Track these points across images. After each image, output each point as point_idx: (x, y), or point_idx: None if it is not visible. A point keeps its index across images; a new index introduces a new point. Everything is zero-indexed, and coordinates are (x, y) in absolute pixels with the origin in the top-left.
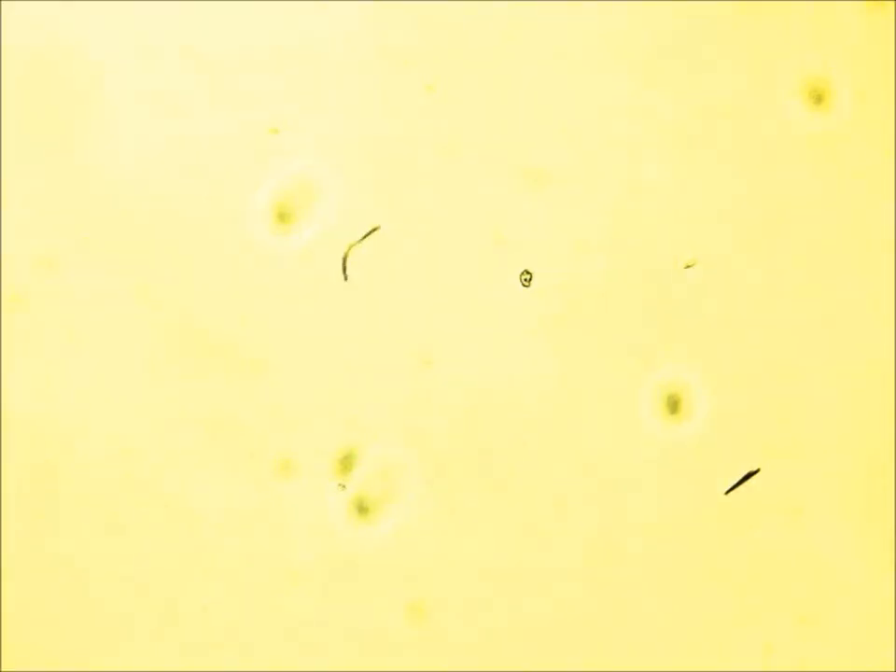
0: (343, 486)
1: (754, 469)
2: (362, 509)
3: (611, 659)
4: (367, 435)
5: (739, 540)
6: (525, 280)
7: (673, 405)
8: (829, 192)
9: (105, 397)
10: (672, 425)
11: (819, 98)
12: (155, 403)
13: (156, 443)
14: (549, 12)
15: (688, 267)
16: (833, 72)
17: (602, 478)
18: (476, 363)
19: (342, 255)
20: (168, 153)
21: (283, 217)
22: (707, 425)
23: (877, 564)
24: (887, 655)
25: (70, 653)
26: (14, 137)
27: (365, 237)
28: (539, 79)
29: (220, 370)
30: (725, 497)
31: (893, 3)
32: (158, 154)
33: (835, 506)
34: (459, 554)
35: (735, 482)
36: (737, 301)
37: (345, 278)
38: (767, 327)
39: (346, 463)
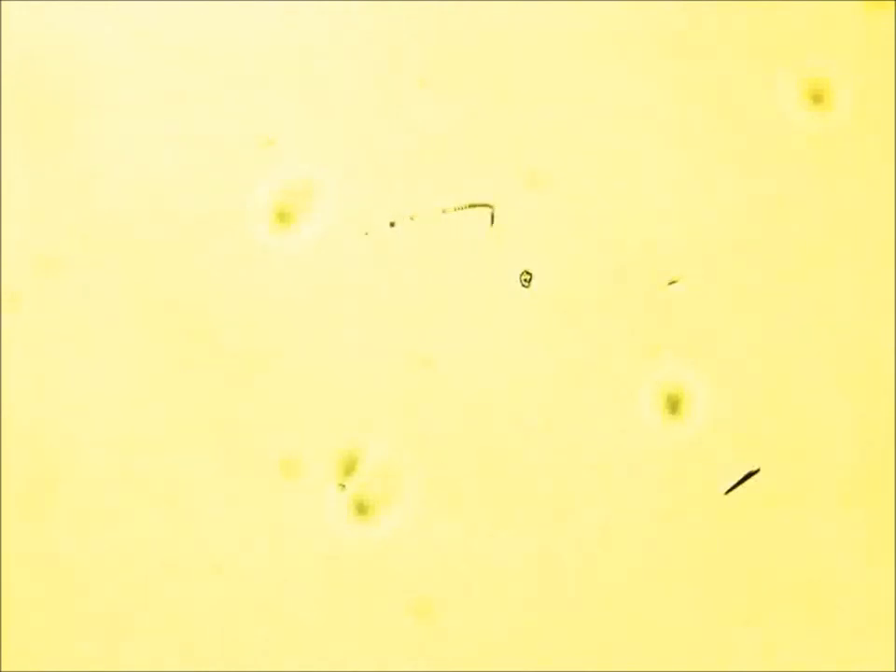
0: (344, 486)
1: (754, 468)
2: (362, 509)
3: (611, 658)
4: (367, 435)
5: (739, 540)
6: (525, 280)
7: (673, 405)
8: (829, 192)
9: (105, 396)
10: (672, 424)
11: (818, 98)
12: (155, 403)
13: (156, 443)
14: (546, 9)
15: (672, 283)
16: (833, 72)
17: (602, 478)
18: (476, 363)
19: (342, 253)
20: (167, 153)
21: (282, 216)
22: (707, 425)
23: (877, 563)
24: (887, 655)
25: (70, 653)
26: (14, 137)
27: (461, 209)
28: (537, 77)
29: (220, 370)
30: (725, 496)
31: (893, 3)
32: (157, 154)
33: (835, 506)
34: (459, 554)
35: (735, 482)
36: (737, 300)
37: (392, 224)
38: (767, 326)
39: (346, 463)
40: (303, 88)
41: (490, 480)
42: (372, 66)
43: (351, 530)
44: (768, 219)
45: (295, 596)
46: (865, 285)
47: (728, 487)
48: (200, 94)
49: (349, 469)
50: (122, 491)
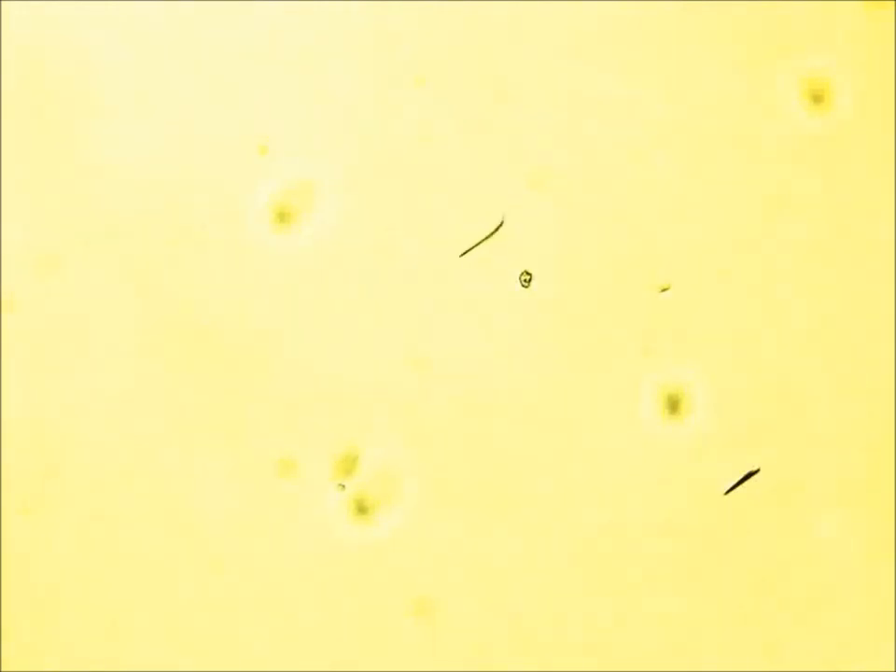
0: (343, 486)
1: (754, 469)
2: (362, 509)
3: (611, 658)
4: (367, 435)
5: (739, 540)
6: (525, 280)
7: (673, 405)
8: (829, 192)
9: (105, 396)
10: (672, 424)
11: (818, 98)
12: (155, 404)
13: (156, 444)
14: (545, 8)
15: (663, 291)
16: (833, 72)
17: (602, 478)
18: (476, 363)
19: (342, 253)
20: (168, 153)
21: (282, 216)
22: (707, 425)
23: (877, 563)
24: (887, 655)
25: (70, 653)
26: (14, 137)
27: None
28: (537, 77)
29: (220, 370)
30: (725, 496)
31: (893, 3)
32: (157, 154)
33: (835, 505)
34: (459, 554)
35: (735, 482)
36: (737, 300)
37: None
38: (767, 326)
39: (346, 463)
40: (303, 88)
41: (490, 480)
42: (372, 66)
43: (351, 530)
44: (768, 219)
45: (295, 596)
46: (865, 285)
47: (728, 487)
48: (200, 95)
49: (349, 469)
50: (122, 491)
